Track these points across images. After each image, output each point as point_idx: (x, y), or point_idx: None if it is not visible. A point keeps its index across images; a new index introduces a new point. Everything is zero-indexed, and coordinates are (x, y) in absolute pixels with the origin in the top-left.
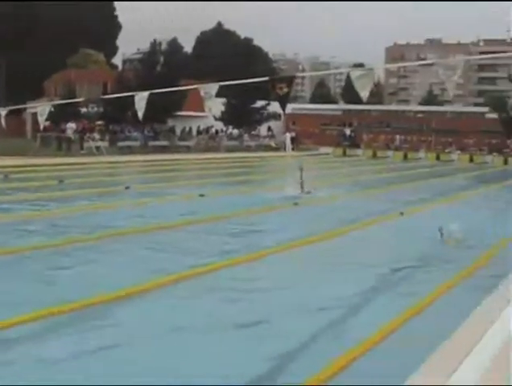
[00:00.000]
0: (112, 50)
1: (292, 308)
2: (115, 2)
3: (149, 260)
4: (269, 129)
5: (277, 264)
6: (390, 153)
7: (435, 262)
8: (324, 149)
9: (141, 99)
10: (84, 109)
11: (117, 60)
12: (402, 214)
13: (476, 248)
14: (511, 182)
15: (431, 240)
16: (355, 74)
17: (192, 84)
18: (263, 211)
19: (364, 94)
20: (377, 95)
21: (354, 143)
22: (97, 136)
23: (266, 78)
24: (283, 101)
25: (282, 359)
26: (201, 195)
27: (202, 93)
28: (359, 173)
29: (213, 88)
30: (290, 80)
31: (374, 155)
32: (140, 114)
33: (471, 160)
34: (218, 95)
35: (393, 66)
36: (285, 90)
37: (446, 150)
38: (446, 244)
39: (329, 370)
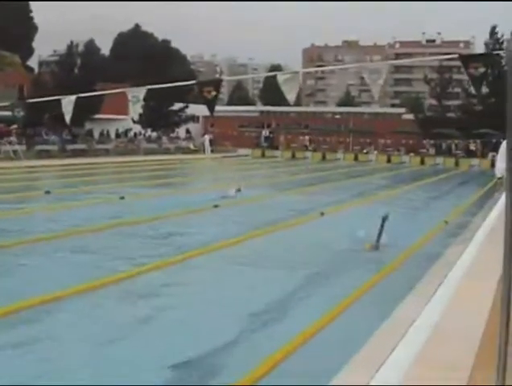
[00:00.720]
0: (27, 51)
1: (216, 311)
2: (31, 3)
3: (71, 264)
4: (187, 131)
5: (199, 268)
6: (308, 154)
7: (354, 263)
8: (242, 151)
9: (68, 103)
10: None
11: (32, 62)
12: (322, 214)
13: (391, 249)
14: (427, 182)
15: (350, 241)
16: (282, 77)
17: (110, 87)
18: (185, 213)
19: (291, 97)
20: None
21: (273, 144)
22: (14, 140)
23: (193, 81)
24: (212, 104)
25: (206, 361)
26: (122, 198)
27: (129, 97)
28: (278, 174)
29: (141, 91)
30: (217, 84)
31: (293, 156)
32: (67, 118)
33: (388, 160)
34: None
35: (319, 69)
36: (213, 93)
37: (364, 151)
38: (365, 248)
39: (258, 371)
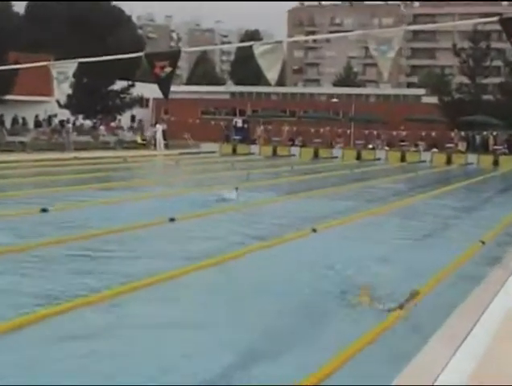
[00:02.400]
0: None
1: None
2: None
3: None
4: (133, 119)
5: (128, 309)
6: (295, 150)
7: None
8: (207, 146)
9: None
10: None
11: None
12: (314, 231)
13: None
14: (454, 188)
15: (341, 275)
16: (260, 48)
17: (27, 58)
18: (129, 229)
19: (272, 75)
20: None
21: (248, 138)
22: None
23: (141, 53)
24: (165, 84)
25: None
26: (44, 210)
27: (54, 73)
28: (255, 178)
29: (70, 65)
30: (173, 56)
31: (275, 153)
32: None
33: (403, 159)
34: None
35: (311, 37)
36: (167, 69)
37: (370, 146)
38: (360, 302)
39: None
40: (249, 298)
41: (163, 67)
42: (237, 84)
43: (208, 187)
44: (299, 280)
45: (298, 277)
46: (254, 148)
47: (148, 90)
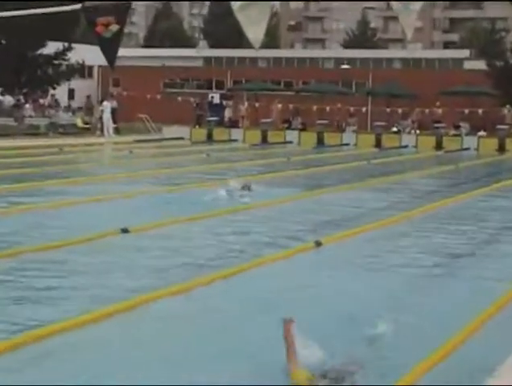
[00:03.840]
0: None
1: None
2: None
3: None
4: (71, 93)
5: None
6: (292, 135)
7: None
8: (172, 131)
9: None
10: None
11: None
12: (318, 244)
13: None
14: (509, 185)
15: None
16: None
17: None
18: (72, 244)
19: (255, 36)
20: (268, 31)
21: (228, 119)
22: None
23: (77, 6)
24: (111, 48)
25: None
26: None
27: None
28: (238, 173)
29: None
30: (122, 10)
31: (264, 140)
32: None
33: (439, 146)
34: None
35: None
36: (113, 28)
37: (393, 129)
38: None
39: None
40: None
41: (106, 25)
42: (213, 46)
43: (176, 187)
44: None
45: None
46: (237, 133)
47: (92, 55)
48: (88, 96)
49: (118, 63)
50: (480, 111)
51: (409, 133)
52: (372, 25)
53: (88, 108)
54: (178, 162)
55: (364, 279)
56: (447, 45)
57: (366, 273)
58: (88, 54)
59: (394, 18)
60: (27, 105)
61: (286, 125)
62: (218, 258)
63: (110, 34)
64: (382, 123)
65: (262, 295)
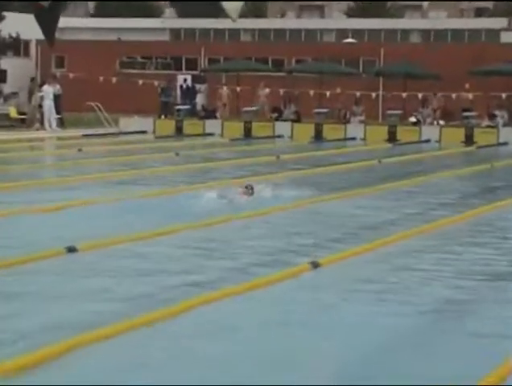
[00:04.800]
0: None
1: None
2: None
3: None
4: (2, 75)
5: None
6: (283, 127)
7: None
8: (132, 123)
9: None
10: None
11: None
12: (315, 266)
13: None
14: None
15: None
16: None
17: None
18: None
19: (233, 8)
20: None
21: (202, 108)
22: None
23: None
24: (50, 20)
25: None
26: None
27: None
28: (213, 176)
29: None
30: None
31: (248, 133)
32: None
33: (469, 140)
34: None
35: None
36: None
37: (411, 119)
38: None
39: None
40: None
41: None
42: (182, 15)
43: (137, 193)
44: None
45: None
46: (213, 125)
47: (29, 26)
48: (33, 79)
49: (62, 36)
50: None
51: (431, 123)
52: None
53: (13, 95)
54: (139, 163)
55: (365, 323)
56: (479, 13)
57: (369, 308)
58: (25, 25)
59: None
60: None
61: (275, 115)
62: (182, 284)
63: (49, 3)
64: (397, 112)
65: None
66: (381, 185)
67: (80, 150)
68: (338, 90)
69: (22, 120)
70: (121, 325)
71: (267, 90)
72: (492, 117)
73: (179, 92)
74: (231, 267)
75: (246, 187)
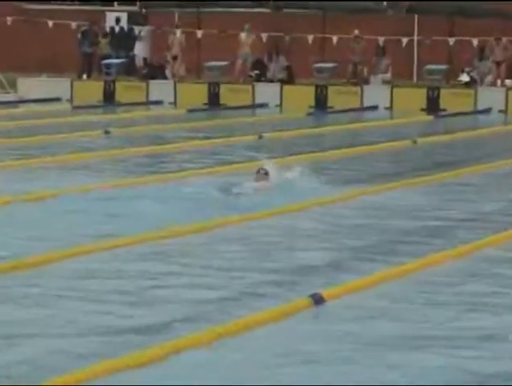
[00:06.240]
0: None
1: None
2: None
3: None
4: None
5: None
6: (268, 92)
7: None
8: (38, 86)
9: None
10: None
11: None
12: (316, 301)
13: None
14: None
15: None
16: None
17: None
18: None
19: None
20: None
21: (144, 62)
22: None
23: None
24: None
25: None
26: None
27: None
28: (162, 166)
29: None
30: None
31: (214, 101)
32: None
33: None
34: None
35: None
36: None
37: (462, 77)
38: None
39: None
40: None
41: None
42: None
43: (52, 189)
44: None
45: None
46: (162, 88)
47: None
48: None
49: None
50: None
51: (492, 84)
52: None
53: None
54: (47, 148)
55: None
56: None
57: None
58: None
59: None
60: None
61: (256, 73)
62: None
63: None
64: (441, 66)
65: None
66: (416, 178)
67: None
68: (356, 33)
69: None
70: None
71: (253, 36)
72: None
73: (108, 38)
74: (211, 292)
75: (259, 172)
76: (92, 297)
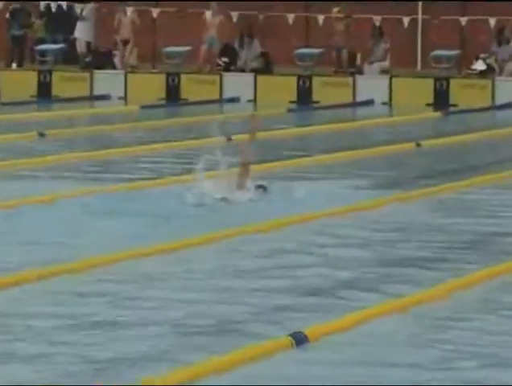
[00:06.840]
0: None
1: None
2: None
3: None
4: None
5: None
6: (238, 83)
7: None
8: None
9: None
10: None
11: None
12: (299, 341)
13: None
14: None
15: None
16: None
17: None
18: None
19: None
20: None
21: (88, 49)
22: None
23: None
24: None
25: None
26: None
27: None
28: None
29: None
30: None
31: (173, 95)
32: None
33: None
34: None
35: None
36: None
37: (476, 65)
38: None
39: None
40: None
41: None
42: None
43: None
44: None
45: None
46: (110, 80)
47: None
48: None
49: None
50: None
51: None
52: None
53: None
54: None
55: None
56: None
57: None
58: None
59: None
60: None
61: (224, 61)
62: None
63: None
64: (451, 52)
65: None
66: (420, 189)
67: None
68: (335, 10)
69: None
70: None
71: (221, 16)
72: None
73: (43, 19)
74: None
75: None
76: None
